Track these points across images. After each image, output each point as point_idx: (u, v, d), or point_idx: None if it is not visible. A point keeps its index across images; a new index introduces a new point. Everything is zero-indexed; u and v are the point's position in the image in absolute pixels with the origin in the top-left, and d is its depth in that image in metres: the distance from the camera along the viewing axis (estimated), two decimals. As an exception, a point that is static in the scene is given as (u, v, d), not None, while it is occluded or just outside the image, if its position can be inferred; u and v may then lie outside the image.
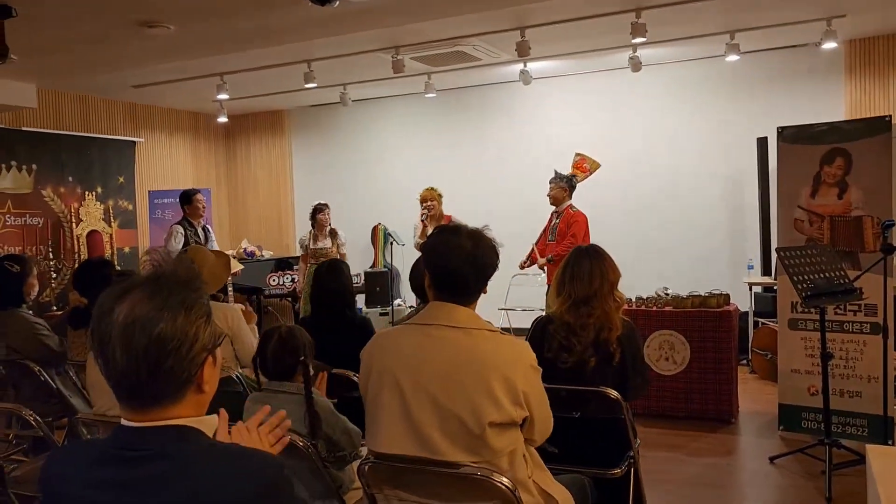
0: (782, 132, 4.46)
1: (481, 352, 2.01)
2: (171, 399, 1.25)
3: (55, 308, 6.68)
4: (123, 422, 1.26)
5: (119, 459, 1.23)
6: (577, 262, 2.89)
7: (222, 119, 8.03)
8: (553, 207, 6.07)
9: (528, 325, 5.94)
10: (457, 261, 2.03)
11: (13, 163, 7.08)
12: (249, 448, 1.33)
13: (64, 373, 4.06)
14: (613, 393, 2.73)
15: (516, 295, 7.42)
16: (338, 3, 3.12)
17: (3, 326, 3.96)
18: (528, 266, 6.12)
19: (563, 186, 5.98)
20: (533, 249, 6.10)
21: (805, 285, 3.62)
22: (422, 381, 1.99)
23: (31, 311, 4.11)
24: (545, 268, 6.03)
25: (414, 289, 3.26)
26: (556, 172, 6.07)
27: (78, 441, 1.45)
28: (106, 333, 1.21)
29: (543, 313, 5.78)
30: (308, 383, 2.40)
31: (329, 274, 3.64)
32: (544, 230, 6.18)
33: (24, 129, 7.14)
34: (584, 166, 6.28)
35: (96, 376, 2.89)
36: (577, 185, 6.15)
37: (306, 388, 2.39)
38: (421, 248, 3.00)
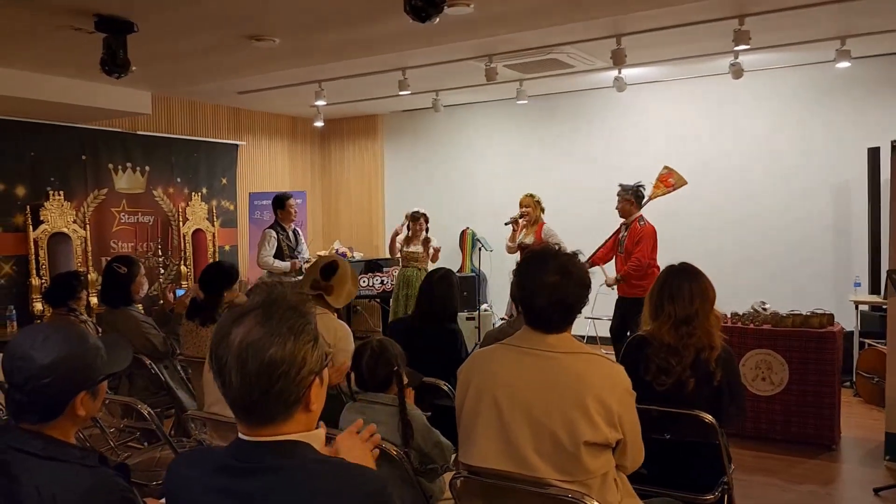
0: (897, 146, 4.22)
1: (577, 372, 2.02)
2: (281, 417, 1.33)
3: (162, 302, 7.07)
4: (241, 435, 1.36)
5: (235, 470, 1.33)
6: (674, 282, 2.84)
7: (319, 123, 8.29)
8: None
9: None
10: (542, 300, 2.03)
11: (128, 164, 7.56)
12: (355, 464, 1.39)
13: (171, 367, 4.32)
14: (708, 417, 2.68)
15: (602, 303, 7.31)
16: (437, 19, 3.18)
17: (115, 323, 4.26)
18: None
19: (630, 199, 5.85)
20: (595, 255, 6.06)
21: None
22: (519, 397, 2.02)
23: (140, 310, 4.39)
24: (614, 287, 5.92)
25: (513, 300, 3.29)
26: (620, 185, 5.94)
27: (202, 448, 1.57)
28: (223, 357, 1.31)
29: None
30: (402, 393, 2.48)
31: (440, 283, 3.75)
32: (611, 241, 6.10)
33: (139, 132, 7.62)
34: (670, 181, 6.10)
35: (210, 375, 3.06)
36: (658, 198, 6.03)
37: (400, 398, 2.47)
38: (512, 280, 3.05)
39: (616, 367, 2.11)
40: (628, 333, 5.42)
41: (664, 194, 6.16)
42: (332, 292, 3.62)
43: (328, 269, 3.72)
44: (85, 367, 1.61)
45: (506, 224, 6.60)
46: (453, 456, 2.57)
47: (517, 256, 6.73)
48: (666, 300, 2.84)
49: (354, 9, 4.37)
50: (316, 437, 1.39)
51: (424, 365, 3.29)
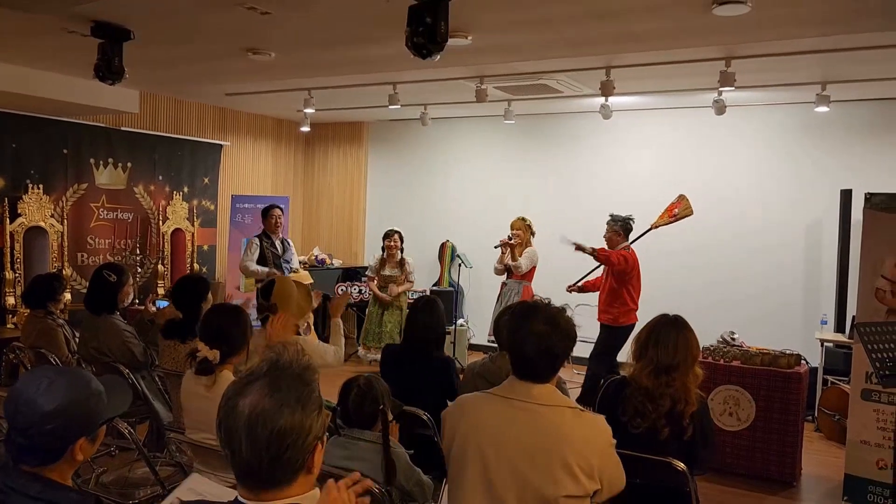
0: (870, 198, 4.37)
1: (560, 428, 2.10)
2: (286, 482, 1.39)
3: (137, 301, 7.02)
4: (240, 498, 1.41)
5: None
6: (661, 329, 2.92)
7: (305, 129, 8.29)
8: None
9: (586, 354, 6.14)
10: (530, 349, 2.12)
11: (111, 160, 7.49)
12: None
13: (149, 377, 4.31)
14: (681, 465, 2.77)
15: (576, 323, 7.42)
16: (438, 56, 3.24)
17: (96, 330, 4.24)
18: (575, 290, 6.28)
19: (617, 230, 5.99)
20: (584, 278, 6.37)
21: (883, 363, 3.54)
22: (504, 449, 2.10)
23: (122, 319, 4.38)
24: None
25: (499, 343, 3.35)
26: (611, 215, 6.08)
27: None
28: (232, 426, 1.36)
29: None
30: (386, 431, 2.52)
31: (423, 312, 3.77)
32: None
33: (123, 128, 7.55)
34: (675, 211, 6.11)
35: (185, 398, 3.07)
36: (660, 227, 6.19)
37: (384, 437, 2.51)
38: (498, 324, 3.14)
39: (597, 420, 2.19)
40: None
41: (667, 224, 6.23)
42: (277, 311, 3.52)
43: (266, 288, 3.63)
44: (87, 413, 1.64)
45: (495, 247, 6.71)
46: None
47: (502, 276, 6.86)
48: (651, 345, 2.92)
49: (353, 32, 4.40)
50: (312, 498, 1.45)
51: (417, 393, 3.36)
